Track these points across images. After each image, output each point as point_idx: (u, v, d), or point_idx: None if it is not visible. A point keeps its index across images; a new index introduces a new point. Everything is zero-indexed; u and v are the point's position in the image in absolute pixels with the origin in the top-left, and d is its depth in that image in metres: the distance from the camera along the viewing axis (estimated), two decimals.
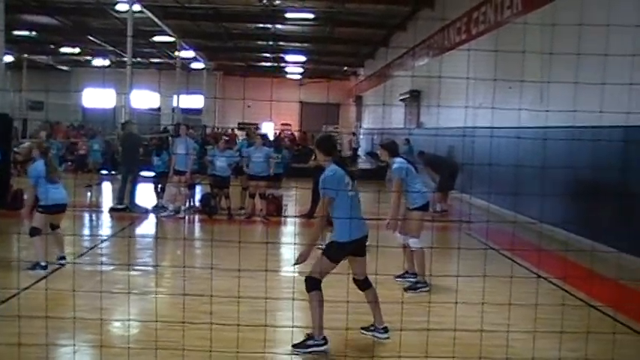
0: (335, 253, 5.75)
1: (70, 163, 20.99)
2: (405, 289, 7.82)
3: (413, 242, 8.06)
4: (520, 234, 11.83)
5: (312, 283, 5.70)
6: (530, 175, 11.96)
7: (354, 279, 5.96)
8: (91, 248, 10.18)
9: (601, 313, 7.11)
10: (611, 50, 8.03)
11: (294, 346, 5.73)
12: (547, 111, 10.04)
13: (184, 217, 13.65)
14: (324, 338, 5.71)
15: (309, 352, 5.68)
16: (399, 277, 8.40)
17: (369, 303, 6.00)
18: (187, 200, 14.27)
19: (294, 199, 16.18)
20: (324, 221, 5.80)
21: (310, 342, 5.72)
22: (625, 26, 7.69)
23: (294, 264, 5.72)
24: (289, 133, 38.56)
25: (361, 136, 38.71)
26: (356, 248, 5.80)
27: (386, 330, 5.99)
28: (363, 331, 6.08)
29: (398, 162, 7.98)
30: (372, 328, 6.05)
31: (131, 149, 14.73)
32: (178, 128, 16.22)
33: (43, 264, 8.26)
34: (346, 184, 5.74)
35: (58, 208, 8.58)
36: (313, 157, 12.40)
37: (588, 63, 9.16)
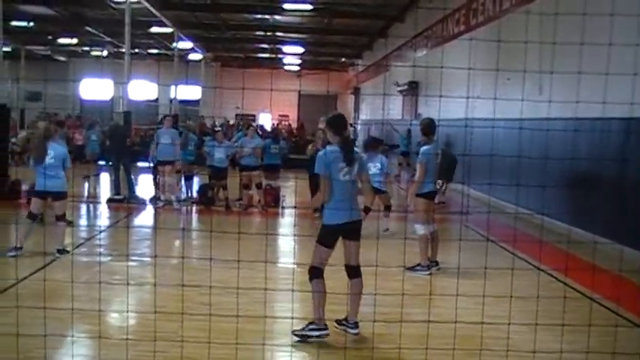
0: (325, 237, 5.77)
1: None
2: (406, 268, 8.02)
3: (417, 227, 8.52)
4: (519, 226, 11.81)
5: (312, 272, 5.75)
6: (528, 167, 11.93)
7: (345, 265, 5.94)
8: (89, 239, 10.15)
9: (602, 306, 7.10)
10: (614, 42, 7.98)
11: (294, 331, 5.75)
12: (546, 102, 9.99)
13: (179, 208, 13.60)
14: (325, 325, 5.73)
15: (309, 336, 5.72)
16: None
17: (351, 293, 5.93)
18: (177, 190, 14.17)
19: (292, 189, 16.15)
20: (325, 195, 5.75)
21: (312, 326, 5.73)
22: (629, 15, 7.63)
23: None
24: (287, 124, 38.47)
25: (359, 127, 38.62)
26: (346, 232, 5.81)
27: (356, 325, 5.92)
28: (335, 325, 5.99)
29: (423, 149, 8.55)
30: (343, 322, 5.98)
31: (118, 140, 14.71)
32: (176, 119, 16.24)
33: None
34: (340, 168, 5.73)
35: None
36: (310, 146, 12.59)
37: (589, 54, 9.11)
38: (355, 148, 6.02)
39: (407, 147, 22.20)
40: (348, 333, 5.89)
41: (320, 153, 5.90)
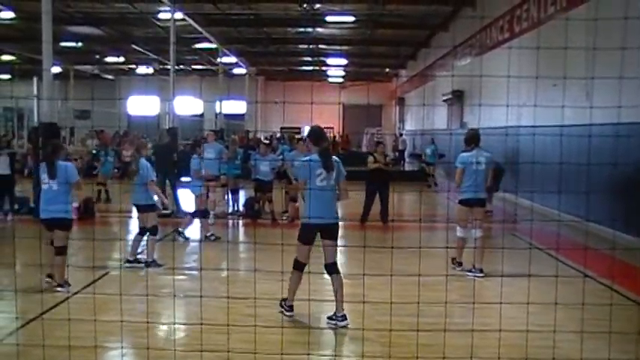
0: (302, 234, 6.49)
1: (117, 170, 21.29)
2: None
3: (457, 230, 8.88)
4: (566, 233, 11.63)
5: (294, 264, 6.45)
6: (575, 174, 11.76)
7: (324, 264, 6.50)
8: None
9: None
10: None
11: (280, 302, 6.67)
12: (598, 107, 9.88)
13: (213, 224, 13.56)
14: (291, 307, 6.55)
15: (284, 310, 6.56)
16: (467, 271, 8.82)
17: (333, 288, 6.41)
18: (216, 206, 14.19)
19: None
20: (297, 192, 6.61)
21: (283, 304, 6.62)
22: None
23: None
24: (331, 136, 38.58)
25: (405, 137, 38.49)
26: (322, 232, 6.43)
27: (344, 317, 6.33)
28: (327, 320, 6.41)
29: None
30: (333, 317, 6.38)
31: (164, 156, 14.91)
32: (222, 133, 16.37)
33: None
34: (318, 174, 6.35)
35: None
36: (372, 159, 12.89)
37: (634, 58, 8.99)
38: (334, 157, 6.58)
39: (432, 157, 22.73)
40: (339, 326, 6.27)
41: (304, 159, 6.58)
